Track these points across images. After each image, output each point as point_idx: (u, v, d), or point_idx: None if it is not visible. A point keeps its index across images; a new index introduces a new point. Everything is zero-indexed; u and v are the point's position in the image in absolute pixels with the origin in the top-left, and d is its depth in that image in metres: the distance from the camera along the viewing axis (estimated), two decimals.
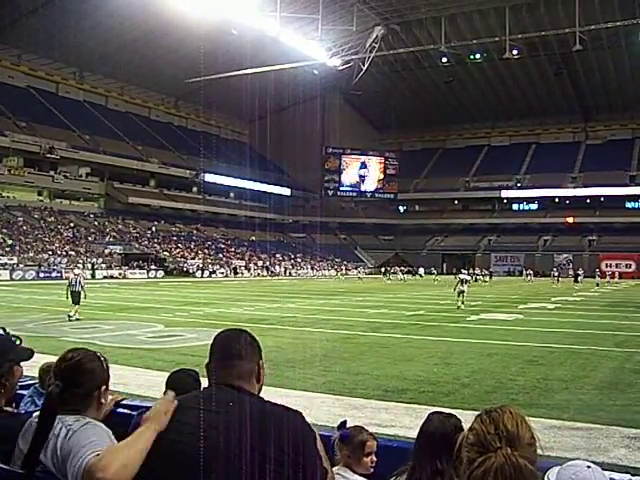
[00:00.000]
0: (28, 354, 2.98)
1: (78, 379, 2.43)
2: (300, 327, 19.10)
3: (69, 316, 20.08)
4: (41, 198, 71.76)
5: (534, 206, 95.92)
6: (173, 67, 75.40)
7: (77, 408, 2.38)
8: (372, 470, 3.22)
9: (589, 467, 1.74)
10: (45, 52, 73.22)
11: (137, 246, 69.22)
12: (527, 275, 64.26)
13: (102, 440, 2.24)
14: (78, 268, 28.77)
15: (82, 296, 20.95)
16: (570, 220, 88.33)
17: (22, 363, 2.98)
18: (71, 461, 2.14)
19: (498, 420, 1.65)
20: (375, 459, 3.24)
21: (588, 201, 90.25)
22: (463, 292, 27.54)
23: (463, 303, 26.93)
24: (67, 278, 25.18)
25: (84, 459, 2.08)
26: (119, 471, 1.98)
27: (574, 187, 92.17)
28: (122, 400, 4.26)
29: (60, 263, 57.02)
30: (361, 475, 3.17)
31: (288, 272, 76.34)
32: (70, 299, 20.64)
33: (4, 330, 3.39)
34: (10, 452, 2.47)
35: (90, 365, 2.49)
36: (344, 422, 3.33)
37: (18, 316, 20.63)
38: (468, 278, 29.52)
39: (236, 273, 70.43)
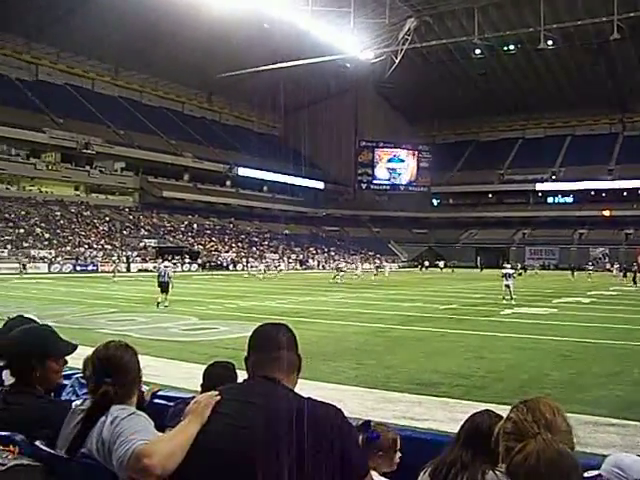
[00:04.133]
0: (69, 348, 3.06)
1: (121, 373, 2.51)
2: (333, 320, 19.14)
3: (157, 303, 22.37)
4: (78, 193, 72.76)
5: (569, 199, 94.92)
6: (206, 62, 75.76)
7: (121, 399, 2.47)
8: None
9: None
10: (82, 50, 74.53)
11: (171, 239, 69.86)
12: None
13: (149, 430, 2.32)
14: (167, 261, 30.66)
15: (170, 286, 23.15)
16: (606, 213, 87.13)
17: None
18: (118, 447, 2.22)
19: (535, 409, 1.68)
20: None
21: (625, 194, 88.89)
22: (509, 286, 27.15)
23: (512, 298, 26.53)
24: (156, 269, 27.90)
25: (132, 445, 2.17)
26: (164, 460, 2.08)
27: (611, 179, 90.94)
28: (158, 391, 4.35)
29: (96, 256, 57.79)
30: (385, 474, 3.05)
31: (321, 265, 76.31)
32: (159, 288, 23.00)
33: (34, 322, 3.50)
34: (51, 437, 2.56)
35: (127, 357, 2.58)
36: (368, 422, 3.15)
37: (56, 308, 20.95)
38: (512, 272, 28.74)
39: (269, 266, 70.58)
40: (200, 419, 2.17)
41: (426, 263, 74.76)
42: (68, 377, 3.93)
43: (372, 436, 3.06)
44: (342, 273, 45.86)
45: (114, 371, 2.50)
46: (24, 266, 48.92)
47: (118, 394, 2.46)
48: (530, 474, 1.58)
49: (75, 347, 3.03)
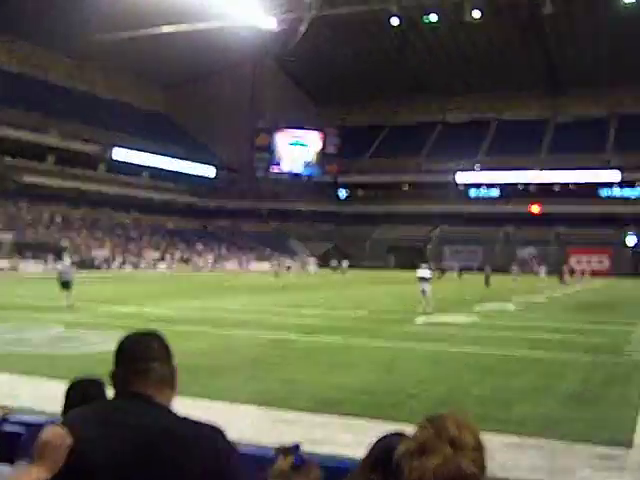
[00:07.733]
0: None
1: None
2: (226, 328, 19.10)
3: (67, 306, 23.96)
4: None
5: (494, 193, 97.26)
6: (77, 21, 73.76)
7: None
8: None
9: None
10: None
11: (32, 234, 67.92)
12: None
13: None
14: (67, 259, 32.34)
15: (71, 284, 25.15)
16: (535, 209, 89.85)
17: None
18: None
19: (439, 424, 1.70)
20: None
21: (556, 188, 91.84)
22: (424, 291, 26.22)
23: (429, 304, 25.79)
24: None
25: None
26: None
27: (540, 171, 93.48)
28: (8, 414, 4.16)
29: None
30: None
31: (212, 265, 75.96)
32: (61, 287, 25.17)
33: None
34: None
35: None
36: (297, 446, 3.09)
37: None
38: (428, 275, 27.40)
39: (153, 266, 69.80)
40: (51, 464, 2.05)
41: (344, 264, 73.25)
42: None
43: (296, 461, 2.98)
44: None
45: None
46: None
47: None
48: None
49: None
